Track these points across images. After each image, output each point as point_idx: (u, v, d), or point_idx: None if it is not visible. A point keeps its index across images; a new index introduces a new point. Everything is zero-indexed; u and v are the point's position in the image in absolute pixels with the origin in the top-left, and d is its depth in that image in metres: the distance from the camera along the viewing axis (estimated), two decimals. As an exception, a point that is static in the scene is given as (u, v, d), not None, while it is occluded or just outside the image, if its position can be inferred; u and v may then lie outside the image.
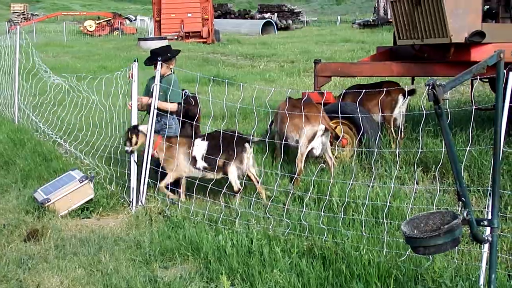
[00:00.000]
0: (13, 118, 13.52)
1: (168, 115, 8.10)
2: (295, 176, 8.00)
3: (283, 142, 8.10)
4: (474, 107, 5.47)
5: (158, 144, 7.81)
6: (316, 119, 7.95)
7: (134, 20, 56.35)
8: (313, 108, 8.10)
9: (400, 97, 9.02)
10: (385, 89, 7.93)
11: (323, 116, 7.99)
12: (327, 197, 6.80)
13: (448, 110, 5.00)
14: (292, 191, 7.26)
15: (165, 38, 32.30)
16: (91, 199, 7.97)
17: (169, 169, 7.82)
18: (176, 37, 34.29)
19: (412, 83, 10.15)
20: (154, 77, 7.94)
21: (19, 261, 6.31)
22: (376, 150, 8.03)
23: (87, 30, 48.21)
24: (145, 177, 7.90)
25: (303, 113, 7.48)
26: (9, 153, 10.51)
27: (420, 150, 6.77)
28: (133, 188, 7.94)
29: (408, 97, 9.20)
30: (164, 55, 8.10)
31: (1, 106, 14.79)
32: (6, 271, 6.03)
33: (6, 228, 7.22)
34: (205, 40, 34.43)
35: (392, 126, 9.02)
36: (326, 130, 8.08)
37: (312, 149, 8.14)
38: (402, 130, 9.18)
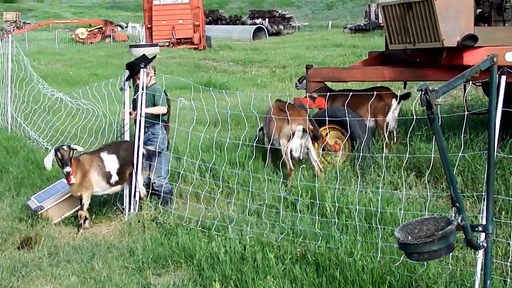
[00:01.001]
0: (6, 126, 13.47)
1: (160, 123, 8.04)
2: (288, 173, 8.19)
3: (269, 146, 8.13)
4: (466, 112, 5.47)
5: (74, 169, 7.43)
6: (294, 120, 8.06)
7: (126, 27, 56.28)
8: (295, 111, 8.27)
9: (393, 101, 9.02)
10: (377, 93, 7.93)
11: (303, 118, 8.09)
12: (319, 202, 6.79)
13: (439, 115, 5.01)
14: (284, 197, 7.25)
15: (156, 45, 32.28)
16: (84, 207, 7.93)
17: (86, 191, 7.60)
18: (167, 44, 34.26)
19: (405, 88, 10.15)
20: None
21: (13, 268, 6.32)
22: (368, 155, 8.03)
23: (79, 37, 48.09)
24: (136, 185, 7.87)
25: (281, 118, 7.64)
26: (2, 161, 10.50)
27: (413, 156, 6.75)
28: (126, 195, 7.92)
29: (402, 101, 9.20)
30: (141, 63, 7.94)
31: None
32: (0, 279, 6.04)
33: (0, 236, 7.20)
34: (196, 46, 34.41)
35: (385, 131, 9.02)
36: (304, 131, 8.12)
37: (291, 150, 8.23)
38: (395, 135, 9.18)
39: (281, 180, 7.84)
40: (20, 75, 13.49)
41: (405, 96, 9.22)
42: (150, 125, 7.99)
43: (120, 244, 6.97)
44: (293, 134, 8.17)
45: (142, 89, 7.84)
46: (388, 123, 9.06)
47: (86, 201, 7.55)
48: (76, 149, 7.36)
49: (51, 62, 30.23)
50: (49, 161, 7.11)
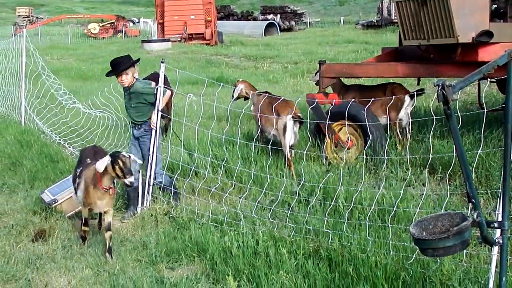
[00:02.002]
0: (20, 120, 13.58)
1: (158, 119, 8.01)
2: (287, 164, 8.58)
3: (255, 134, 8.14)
4: (485, 110, 5.43)
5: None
6: (284, 111, 8.61)
7: (138, 22, 56.40)
8: (283, 102, 8.55)
9: (407, 98, 8.98)
10: (390, 89, 7.91)
11: (291, 107, 8.59)
12: (333, 199, 6.79)
13: (459, 113, 4.99)
14: (297, 193, 7.25)
15: (168, 40, 32.33)
16: (98, 200, 7.98)
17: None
18: (179, 39, 34.29)
19: (418, 84, 10.11)
20: (126, 88, 7.82)
21: (27, 261, 6.37)
22: (382, 151, 8.01)
23: (91, 32, 48.29)
24: (150, 179, 7.90)
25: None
26: (16, 154, 10.58)
27: (430, 153, 6.73)
28: (139, 189, 7.94)
29: (415, 98, 9.16)
30: (127, 63, 7.77)
31: (8, 108, 14.84)
32: (15, 271, 6.09)
33: (14, 229, 7.29)
34: (208, 41, 34.41)
35: (397, 128, 9.00)
36: (295, 120, 8.62)
37: (287, 140, 8.65)
38: (408, 131, 9.15)
39: (293, 178, 7.84)
40: (34, 70, 13.57)
41: (419, 93, 9.17)
42: (143, 122, 7.91)
43: (133, 237, 7.00)
44: (285, 126, 8.62)
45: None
46: (401, 119, 9.03)
47: (111, 218, 6.70)
48: (136, 161, 6.61)
49: (64, 56, 30.39)
50: (102, 165, 6.13)
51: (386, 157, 7.90)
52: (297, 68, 21.76)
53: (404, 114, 9.05)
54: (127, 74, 7.67)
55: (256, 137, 9.14)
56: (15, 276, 6.00)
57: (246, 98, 9.93)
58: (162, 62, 7.98)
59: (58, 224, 7.37)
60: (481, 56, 7.75)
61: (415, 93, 8.89)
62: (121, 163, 6.14)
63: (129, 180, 6.16)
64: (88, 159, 6.76)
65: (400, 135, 9.02)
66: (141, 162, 6.80)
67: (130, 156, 6.30)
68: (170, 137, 9.83)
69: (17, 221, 7.48)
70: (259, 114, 8.72)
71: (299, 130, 8.88)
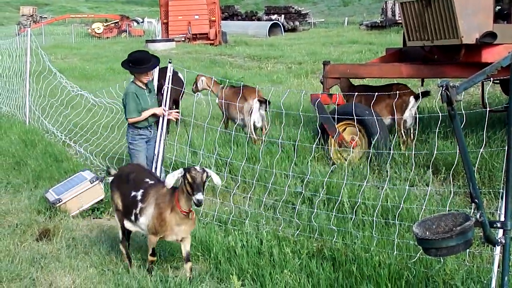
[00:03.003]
0: (24, 119, 13.62)
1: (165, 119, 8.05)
2: (253, 142, 9.73)
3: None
4: (488, 109, 5.44)
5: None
6: (250, 95, 9.86)
7: (142, 22, 56.48)
8: (249, 88, 10.01)
9: (411, 99, 9.00)
10: (395, 90, 7.93)
11: (257, 92, 9.83)
12: (335, 198, 6.81)
13: (463, 112, 5.01)
14: (302, 193, 7.27)
15: (172, 40, 32.36)
16: (102, 200, 8.03)
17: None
18: (183, 39, 34.31)
19: (422, 85, 10.13)
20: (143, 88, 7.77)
21: (31, 260, 6.39)
22: (385, 151, 8.03)
23: (95, 32, 48.36)
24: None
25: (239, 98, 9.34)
26: (21, 154, 10.61)
27: (434, 154, 6.74)
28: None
29: (420, 99, 9.17)
30: (158, 59, 7.81)
31: (12, 107, 14.89)
32: (20, 270, 6.11)
33: (19, 228, 7.32)
34: (212, 41, 34.42)
35: (402, 128, 9.01)
36: (260, 103, 9.83)
37: (254, 122, 9.93)
38: (412, 132, 9.16)
39: (297, 175, 7.86)
40: (38, 69, 13.62)
41: (424, 94, 9.18)
42: (154, 121, 7.94)
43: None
44: (253, 107, 9.86)
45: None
46: (405, 120, 9.04)
47: (189, 247, 5.86)
48: (210, 177, 5.42)
49: (68, 56, 30.44)
50: (173, 179, 5.32)
51: (390, 157, 7.92)
52: (301, 68, 21.76)
53: (409, 115, 9.06)
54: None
55: (222, 123, 10.36)
56: (20, 275, 6.02)
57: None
58: (170, 63, 8.04)
59: (62, 224, 7.40)
60: (485, 57, 7.76)
61: (420, 94, 8.92)
62: (190, 178, 5.23)
63: (197, 197, 5.19)
64: (147, 179, 5.92)
65: (404, 136, 9.03)
66: (220, 182, 5.65)
67: (205, 171, 5.33)
68: (176, 136, 9.87)
69: (21, 220, 7.51)
70: (224, 102, 10.06)
71: (266, 113, 9.94)
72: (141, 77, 7.66)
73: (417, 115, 9.03)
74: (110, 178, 6.38)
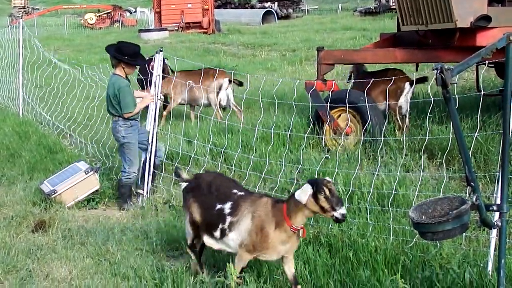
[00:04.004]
0: (17, 111, 13.57)
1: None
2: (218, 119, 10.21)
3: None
4: (482, 92, 5.43)
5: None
6: (221, 75, 10.76)
7: (134, 12, 56.20)
8: (210, 70, 10.76)
9: (407, 85, 8.98)
10: (390, 76, 7.91)
11: (223, 72, 10.72)
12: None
13: (456, 96, 4.99)
14: (296, 181, 7.26)
15: (165, 29, 32.22)
16: (97, 190, 8.01)
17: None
18: (176, 28, 34.17)
19: (417, 70, 10.10)
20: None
21: (28, 251, 6.37)
22: (380, 138, 8.02)
23: (88, 23, 48.08)
24: (149, 168, 7.91)
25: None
26: (15, 145, 10.58)
27: (426, 137, 6.73)
28: (139, 179, 7.95)
29: (415, 85, 9.16)
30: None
31: (5, 99, 14.83)
32: (16, 261, 6.10)
33: (14, 220, 7.30)
34: (205, 30, 34.28)
35: (397, 114, 8.99)
36: (229, 82, 10.87)
37: (220, 100, 10.91)
38: (407, 117, 9.16)
39: (293, 165, 7.85)
40: (31, 60, 13.56)
41: (420, 80, 9.15)
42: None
43: (134, 227, 7.02)
44: (221, 86, 10.81)
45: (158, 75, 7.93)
46: (400, 106, 9.02)
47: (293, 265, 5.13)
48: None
49: (61, 47, 30.29)
50: (305, 196, 4.55)
51: (383, 143, 7.91)
52: (295, 55, 21.70)
53: (404, 101, 9.04)
54: None
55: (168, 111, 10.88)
56: (16, 267, 6.00)
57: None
58: (161, 51, 7.98)
59: (58, 215, 7.38)
60: (479, 40, 7.74)
61: (414, 80, 8.90)
62: (327, 192, 4.52)
63: (341, 212, 4.49)
64: (235, 190, 5.22)
65: (400, 122, 9.02)
66: None
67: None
68: (169, 125, 9.87)
69: (16, 212, 7.48)
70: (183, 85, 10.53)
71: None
72: (130, 69, 7.66)
73: (409, 101, 9.03)
74: (183, 184, 5.62)
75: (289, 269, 5.01)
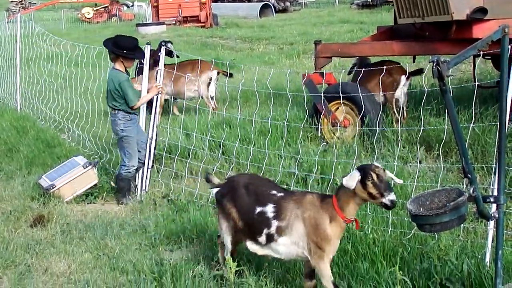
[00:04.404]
0: (15, 106, 13.56)
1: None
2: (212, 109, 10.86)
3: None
4: (476, 83, 5.44)
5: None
6: (208, 68, 11.03)
7: (132, 6, 55.95)
8: (202, 62, 10.51)
9: (403, 77, 8.99)
10: (386, 69, 7.91)
11: (210, 65, 10.76)
12: (330, 178, 6.81)
13: (450, 87, 5.00)
14: (296, 172, 7.28)
15: (163, 23, 32.14)
16: (95, 185, 8.01)
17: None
18: (174, 22, 34.08)
19: (414, 62, 10.10)
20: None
21: (26, 246, 6.38)
22: (377, 129, 8.03)
23: (85, 17, 47.91)
24: (148, 162, 7.92)
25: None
26: (13, 140, 10.58)
27: (422, 128, 6.73)
28: (137, 173, 7.95)
29: (411, 77, 9.16)
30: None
31: (3, 94, 14.81)
32: (14, 256, 6.10)
33: (13, 214, 7.29)
34: (203, 24, 34.18)
35: (394, 107, 9.00)
36: (218, 74, 11.26)
37: (210, 92, 11.21)
38: (405, 110, 9.17)
39: (291, 155, 7.86)
40: (30, 54, 13.55)
41: (417, 72, 9.16)
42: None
43: (132, 221, 7.03)
44: (211, 79, 11.21)
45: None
46: (397, 99, 9.03)
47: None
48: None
49: (58, 42, 30.21)
50: (353, 181, 4.41)
51: (382, 135, 7.92)
52: (292, 49, 21.67)
53: (401, 93, 9.05)
54: None
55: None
56: (15, 262, 6.01)
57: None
58: (163, 45, 8.02)
59: (56, 209, 7.38)
60: (476, 33, 7.74)
61: (410, 72, 8.89)
62: (375, 177, 4.36)
63: (390, 198, 4.33)
64: (273, 191, 4.95)
65: (397, 114, 9.03)
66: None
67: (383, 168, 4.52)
68: (169, 119, 9.89)
69: (15, 207, 7.48)
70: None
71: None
72: (129, 63, 7.68)
73: (406, 93, 9.04)
74: (214, 189, 5.35)
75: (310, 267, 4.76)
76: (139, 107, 7.81)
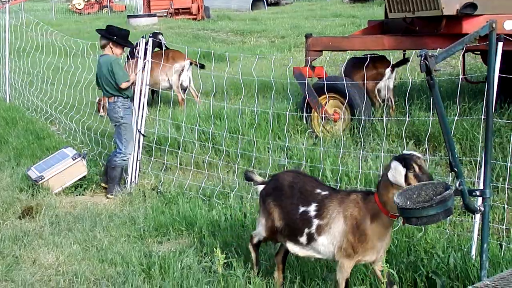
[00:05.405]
0: (4, 97, 13.49)
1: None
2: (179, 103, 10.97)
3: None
4: (462, 76, 5.48)
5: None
6: (181, 57, 11.12)
7: (123, -3, 55.77)
8: (175, 52, 11.26)
9: (387, 70, 9.03)
10: (371, 61, 7.97)
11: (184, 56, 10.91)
12: (321, 167, 6.83)
13: (437, 79, 5.02)
14: (286, 164, 7.29)
15: (154, 15, 32.02)
16: (85, 176, 8.01)
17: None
18: (165, 14, 33.96)
19: (404, 57, 10.12)
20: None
21: (14, 237, 6.37)
22: (368, 124, 8.07)
23: (76, 8, 47.62)
24: (138, 154, 7.92)
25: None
26: (1, 131, 10.56)
27: (406, 119, 6.78)
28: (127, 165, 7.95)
29: (396, 69, 9.21)
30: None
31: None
32: (2, 248, 6.10)
33: (1, 206, 7.28)
34: (195, 16, 34.05)
35: (378, 98, 9.07)
36: (190, 64, 11.26)
37: (182, 82, 11.22)
38: (393, 103, 9.20)
39: (280, 146, 7.88)
40: (20, 45, 13.48)
41: (401, 63, 9.21)
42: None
43: (121, 213, 7.03)
44: (183, 69, 11.18)
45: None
46: (379, 90, 9.11)
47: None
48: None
49: (48, 32, 30.05)
50: (400, 175, 4.12)
51: (372, 128, 7.95)
52: (284, 42, 21.66)
53: (384, 85, 9.11)
54: None
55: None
56: (3, 253, 6.00)
57: None
58: (150, 37, 8.02)
59: (45, 201, 7.38)
60: (466, 28, 7.76)
61: (391, 65, 8.93)
62: (417, 169, 4.13)
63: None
64: (318, 190, 4.72)
65: (377, 103, 9.09)
66: None
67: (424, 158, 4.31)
68: (157, 111, 9.87)
69: (3, 199, 7.46)
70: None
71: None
72: (119, 50, 7.77)
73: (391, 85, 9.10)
74: (259, 187, 5.16)
75: (380, 268, 4.50)
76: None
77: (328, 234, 4.49)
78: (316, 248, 4.59)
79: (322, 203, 4.57)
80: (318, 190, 4.70)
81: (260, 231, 5.03)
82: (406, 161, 4.13)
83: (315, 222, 4.54)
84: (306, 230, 4.59)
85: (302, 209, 4.64)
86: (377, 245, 4.38)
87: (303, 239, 4.63)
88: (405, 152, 4.41)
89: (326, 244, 4.52)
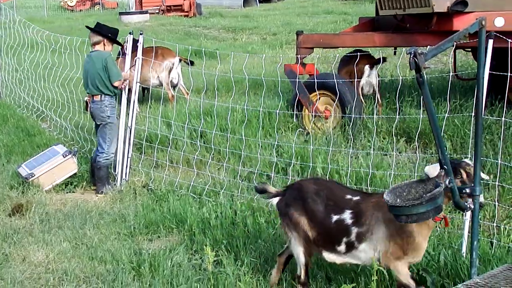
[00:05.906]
0: (-5, 94, 13.45)
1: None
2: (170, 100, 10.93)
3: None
4: (452, 73, 5.49)
5: None
6: (170, 55, 11.00)
7: (115, -6, 55.59)
8: (164, 49, 11.00)
9: (366, 67, 9.03)
10: (353, 58, 8.00)
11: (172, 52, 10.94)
12: (311, 166, 6.83)
13: (427, 76, 5.03)
14: (275, 162, 7.29)
15: (146, 12, 31.94)
16: (75, 174, 7.98)
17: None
18: (157, 11, 33.90)
19: (395, 54, 10.14)
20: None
21: (4, 235, 6.34)
22: (359, 121, 8.07)
23: (68, 5, 47.46)
24: (128, 151, 7.89)
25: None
26: (-8, 128, 10.48)
27: (397, 116, 6.78)
28: (118, 162, 7.92)
29: (376, 66, 9.21)
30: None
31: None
32: (-8, 245, 6.05)
33: (-9, 203, 7.23)
34: (186, 13, 34.00)
35: (361, 95, 9.10)
36: (180, 61, 11.11)
37: (172, 79, 11.08)
38: (379, 99, 9.22)
39: (276, 142, 7.87)
40: (11, 42, 13.41)
41: (378, 61, 9.21)
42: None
43: (112, 210, 7.01)
44: (173, 66, 10.99)
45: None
46: (362, 87, 9.12)
47: None
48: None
49: (40, 29, 29.94)
50: (434, 169, 4.11)
51: (363, 126, 7.95)
52: (276, 39, 21.64)
53: (365, 82, 9.12)
54: None
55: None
56: (-8, 251, 5.98)
57: None
58: (141, 34, 7.97)
59: (35, 198, 7.35)
60: (456, 25, 7.78)
61: (368, 64, 8.97)
62: (464, 176, 4.12)
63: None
64: (348, 196, 4.56)
65: (362, 100, 9.12)
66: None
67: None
68: (147, 108, 9.83)
69: (-7, 196, 7.44)
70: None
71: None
72: (110, 47, 7.75)
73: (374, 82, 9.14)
74: (274, 200, 4.88)
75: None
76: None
77: (370, 241, 4.34)
78: (357, 255, 4.47)
79: (358, 209, 4.41)
80: (349, 196, 4.54)
81: (293, 245, 4.71)
82: (455, 167, 4.07)
83: (354, 230, 4.38)
84: (345, 239, 4.43)
85: (335, 217, 4.47)
86: (424, 245, 4.30)
87: (342, 247, 4.48)
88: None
89: (368, 250, 4.39)
